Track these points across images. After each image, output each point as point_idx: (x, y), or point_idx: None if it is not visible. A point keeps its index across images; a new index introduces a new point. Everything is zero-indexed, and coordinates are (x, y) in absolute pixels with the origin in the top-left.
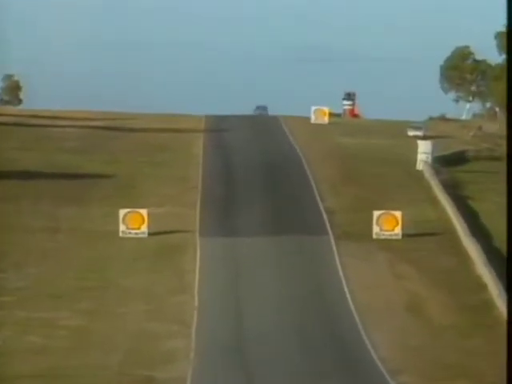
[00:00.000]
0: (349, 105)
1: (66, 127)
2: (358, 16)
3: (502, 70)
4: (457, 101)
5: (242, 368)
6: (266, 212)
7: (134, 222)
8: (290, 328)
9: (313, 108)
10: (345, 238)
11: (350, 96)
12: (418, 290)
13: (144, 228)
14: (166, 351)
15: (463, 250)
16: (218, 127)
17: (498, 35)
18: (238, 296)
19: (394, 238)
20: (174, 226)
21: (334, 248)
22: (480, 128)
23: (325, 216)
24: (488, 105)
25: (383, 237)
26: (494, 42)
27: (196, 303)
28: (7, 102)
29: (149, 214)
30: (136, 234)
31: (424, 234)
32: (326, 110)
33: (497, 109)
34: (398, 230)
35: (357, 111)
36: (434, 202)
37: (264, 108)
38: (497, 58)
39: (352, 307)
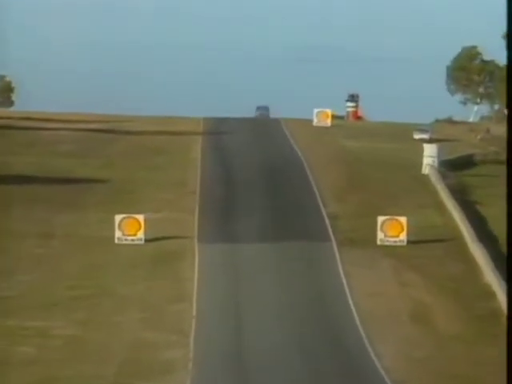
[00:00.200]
0: (352, 107)
1: (59, 130)
2: (362, 15)
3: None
4: (464, 103)
5: (242, 379)
6: (266, 217)
7: (130, 228)
8: (291, 337)
9: (315, 110)
10: (348, 245)
11: (353, 98)
12: (423, 299)
13: (140, 234)
14: (163, 361)
15: (470, 256)
16: (217, 130)
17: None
18: (238, 304)
19: (398, 244)
20: (171, 232)
21: (337, 255)
22: (488, 131)
23: (327, 222)
24: (496, 107)
25: (388, 243)
26: (502, 42)
27: (194, 312)
28: None
29: (145, 220)
30: (132, 240)
31: (430, 240)
32: (329, 112)
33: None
34: (403, 236)
35: (360, 113)
36: (441, 207)
37: (265, 108)
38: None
39: (355, 316)
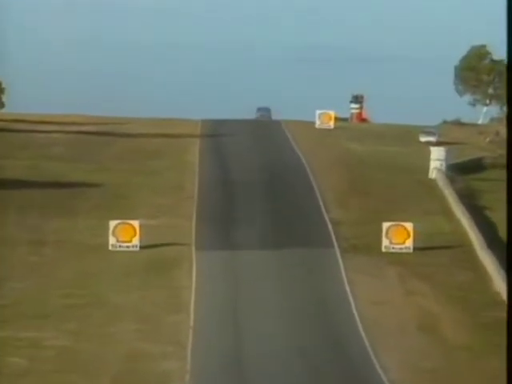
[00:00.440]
0: (356, 108)
1: (52, 132)
2: (366, 13)
3: None
4: (473, 104)
5: None
6: (266, 223)
7: (124, 235)
8: (293, 348)
9: (318, 112)
10: (352, 252)
11: (357, 99)
12: (430, 308)
13: (135, 241)
14: (159, 373)
15: (480, 264)
16: (216, 132)
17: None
18: (237, 314)
19: (404, 251)
20: (168, 239)
21: (340, 262)
22: (497, 133)
23: (330, 228)
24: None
25: (393, 250)
26: None
27: (192, 322)
28: None
29: (141, 226)
30: (127, 247)
31: (437, 247)
32: (332, 113)
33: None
34: (409, 243)
35: (365, 115)
36: (448, 212)
37: (266, 110)
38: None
39: (359, 325)
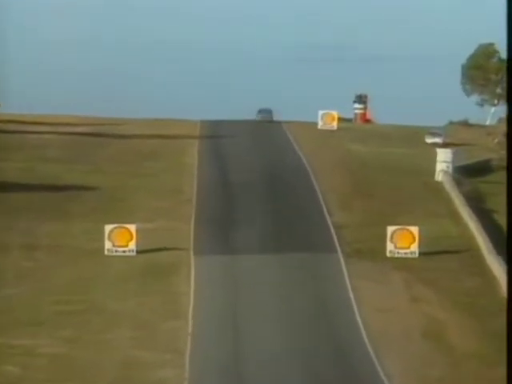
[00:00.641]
0: (360, 108)
1: (46, 133)
2: (370, 11)
3: None
4: (481, 104)
5: None
6: (267, 227)
7: (120, 239)
8: (294, 357)
9: (320, 112)
10: (355, 257)
11: (361, 99)
12: (437, 314)
13: (132, 245)
14: (156, 382)
15: (487, 269)
16: (215, 133)
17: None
18: (237, 321)
19: (410, 256)
20: (165, 243)
21: (344, 267)
22: (506, 134)
23: (333, 232)
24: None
25: (398, 255)
26: None
27: (190, 329)
28: None
29: (137, 230)
30: (123, 251)
31: (444, 251)
32: (335, 114)
33: None
34: (414, 248)
35: (369, 116)
36: (455, 216)
37: (268, 111)
38: None
39: (363, 333)
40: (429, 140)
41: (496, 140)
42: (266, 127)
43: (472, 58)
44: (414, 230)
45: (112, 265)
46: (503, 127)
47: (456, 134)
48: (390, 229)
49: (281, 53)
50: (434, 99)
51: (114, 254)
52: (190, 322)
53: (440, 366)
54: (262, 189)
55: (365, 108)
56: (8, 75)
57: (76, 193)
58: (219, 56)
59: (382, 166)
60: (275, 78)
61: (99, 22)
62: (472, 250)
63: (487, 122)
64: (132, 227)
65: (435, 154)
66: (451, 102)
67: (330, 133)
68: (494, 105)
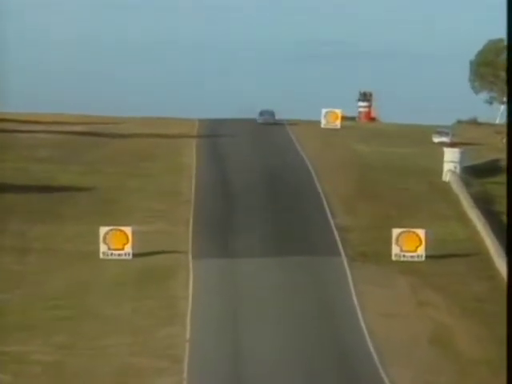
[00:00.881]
0: (364, 107)
1: (38, 132)
2: (375, 5)
3: None
4: (490, 102)
5: None
6: (268, 230)
7: (116, 242)
8: (296, 364)
9: (323, 110)
10: (360, 260)
11: (365, 96)
12: (444, 320)
13: (128, 248)
14: None
15: (497, 273)
16: (214, 132)
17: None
18: (237, 327)
19: (416, 259)
20: (162, 246)
21: (348, 271)
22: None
23: (336, 234)
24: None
25: (404, 258)
26: None
27: (188, 335)
28: None
29: (133, 233)
30: (119, 255)
31: (451, 255)
32: (339, 112)
33: None
34: (421, 251)
35: (374, 114)
36: (463, 218)
37: (270, 113)
38: None
39: (368, 339)
40: (436, 139)
41: (505, 139)
42: (267, 126)
43: (481, 54)
44: (421, 232)
45: (107, 269)
46: None
47: (464, 132)
48: (396, 231)
49: (282, 50)
50: (441, 97)
51: (110, 257)
52: (188, 328)
53: (447, 373)
54: (263, 190)
55: (369, 106)
56: (1, 74)
57: (70, 194)
58: (218, 54)
59: (387, 167)
60: (276, 76)
61: (97, 21)
62: (481, 254)
63: (496, 121)
64: (128, 230)
65: (442, 154)
66: (459, 100)
67: (333, 132)
68: (504, 102)
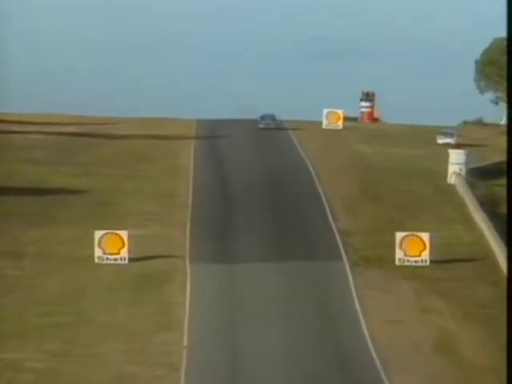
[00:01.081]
0: (367, 107)
1: (31, 133)
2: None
3: None
4: (496, 102)
5: None
6: (268, 233)
7: (112, 246)
8: (297, 372)
9: (324, 111)
10: (362, 265)
11: (368, 96)
12: (449, 327)
13: (124, 253)
14: None
15: (503, 278)
16: (212, 133)
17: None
18: (236, 334)
19: (420, 264)
20: (159, 251)
21: (350, 276)
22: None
23: (338, 238)
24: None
25: (408, 263)
26: None
27: (185, 342)
28: None
29: (129, 237)
30: (115, 259)
31: (457, 259)
32: (340, 112)
33: None
34: (425, 256)
35: (376, 114)
36: (469, 221)
37: (271, 117)
38: None
39: (370, 346)
40: (440, 140)
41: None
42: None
43: (486, 52)
44: (425, 236)
45: (103, 273)
46: None
47: (470, 133)
48: (399, 235)
49: (281, 49)
50: (445, 97)
51: (105, 261)
52: (186, 335)
53: (452, 381)
54: (263, 192)
55: (372, 106)
56: None
57: (64, 197)
58: (218, 54)
59: (391, 168)
60: (276, 76)
61: (93, 21)
62: (487, 258)
63: (502, 121)
64: (124, 233)
65: (447, 156)
66: (464, 100)
67: (335, 132)
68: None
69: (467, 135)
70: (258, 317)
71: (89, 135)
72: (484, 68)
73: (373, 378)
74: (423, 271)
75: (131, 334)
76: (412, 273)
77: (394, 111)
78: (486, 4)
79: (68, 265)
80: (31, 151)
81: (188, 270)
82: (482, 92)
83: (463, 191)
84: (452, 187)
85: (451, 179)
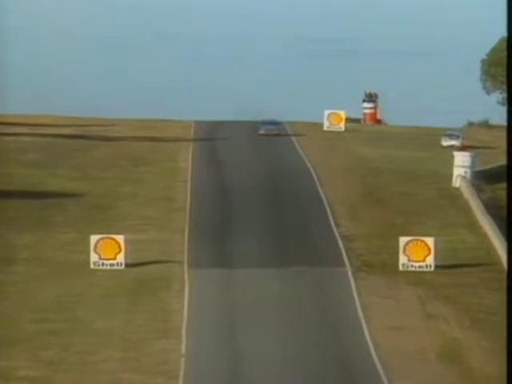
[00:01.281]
0: (370, 108)
1: (24, 135)
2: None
3: None
4: (502, 103)
5: None
6: (268, 238)
7: (108, 251)
8: (299, 379)
9: (326, 112)
10: (365, 271)
11: (371, 97)
12: (454, 334)
13: (120, 258)
14: None
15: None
16: (210, 135)
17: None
18: (235, 341)
19: (425, 269)
20: (157, 256)
21: (352, 282)
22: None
23: (341, 244)
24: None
25: (412, 269)
26: None
27: (183, 350)
28: None
29: (126, 241)
30: (111, 265)
31: (462, 265)
32: (343, 114)
33: None
34: (430, 261)
35: (379, 116)
36: (475, 226)
37: (274, 123)
38: None
39: (373, 354)
40: (445, 143)
41: None
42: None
43: (493, 52)
44: (430, 241)
45: (98, 279)
46: None
47: (475, 135)
48: (403, 240)
49: (282, 48)
50: (450, 98)
51: (101, 267)
52: (184, 342)
53: None
54: (262, 196)
55: (375, 107)
56: None
57: (58, 200)
58: (217, 54)
59: (394, 171)
60: (277, 76)
61: (89, 20)
62: (493, 264)
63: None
64: (120, 238)
65: (452, 158)
66: (470, 101)
67: (336, 134)
68: None
69: (473, 137)
70: (257, 324)
71: (84, 137)
72: (490, 68)
73: None
74: (428, 277)
75: (128, 342)
76: (416, 278)
77: (398, 112)
78: (492, 3)
79: (63, 270)
80: (25, 153)
81: (186, 275)
82: (488, 93)
83: (468, 195)
84: (457, 190)
85: (456, 182)
